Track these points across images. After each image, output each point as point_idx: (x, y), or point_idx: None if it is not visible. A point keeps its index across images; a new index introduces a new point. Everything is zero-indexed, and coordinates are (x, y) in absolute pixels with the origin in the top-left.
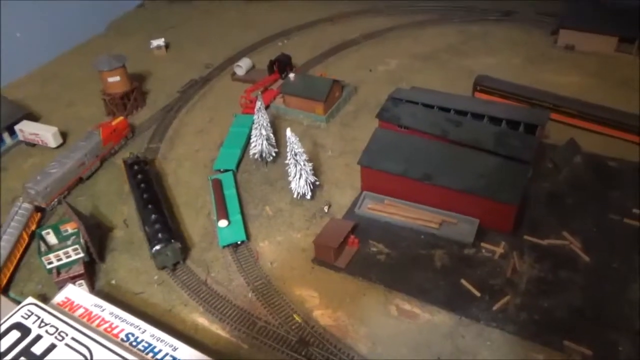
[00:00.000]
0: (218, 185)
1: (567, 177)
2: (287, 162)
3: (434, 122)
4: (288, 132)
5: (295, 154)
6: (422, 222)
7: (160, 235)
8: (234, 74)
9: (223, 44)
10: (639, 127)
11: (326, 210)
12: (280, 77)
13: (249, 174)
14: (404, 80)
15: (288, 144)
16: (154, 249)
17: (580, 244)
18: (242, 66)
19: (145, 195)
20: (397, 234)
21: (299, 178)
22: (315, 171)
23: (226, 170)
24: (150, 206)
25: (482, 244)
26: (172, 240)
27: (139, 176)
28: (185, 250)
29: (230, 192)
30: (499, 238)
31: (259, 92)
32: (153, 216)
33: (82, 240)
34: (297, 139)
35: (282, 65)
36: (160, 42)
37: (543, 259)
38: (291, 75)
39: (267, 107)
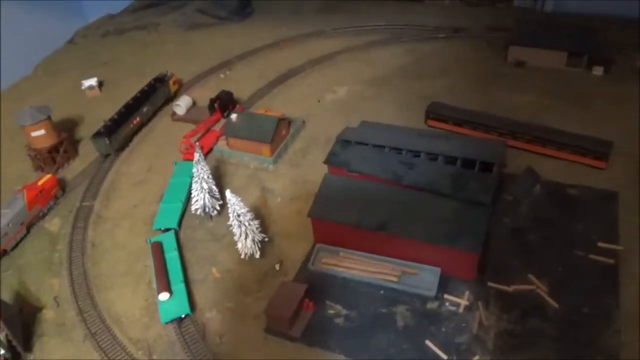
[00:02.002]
0: (158, 250)
1: (528, 210)
2: (230, 222)
3: (387, 165)
4: (228, 193)
5: (239, 215)
6: (381, 275)
7: (102, 129)
8: (173, 113)
9: None
10: (602, 151)
11: (277, 269)
12: (222, 116)
13: (193, 230)
14: (354, 110)
15: (229, 205)
16: (92, 135)
17: (547, 287)
18: (182, 105)
19: (131, 102)
20: (355, 290)
21: (245, 238)
22: (264, 221)
23: (167, 229)
24: (123, 110)
25: (446, 296)
26: (105, 137)
27: (145, 88)
28: (118, 151)
29: (172, 255)
30: (462, 287)
31: (197, 142)
32: (115, 116)
33: (1, 335)
34: (239, 199)
35: (223, 103)
36: (93, 82)
37: (510, 307)
38: (233, 116)
39: (210, 151)
